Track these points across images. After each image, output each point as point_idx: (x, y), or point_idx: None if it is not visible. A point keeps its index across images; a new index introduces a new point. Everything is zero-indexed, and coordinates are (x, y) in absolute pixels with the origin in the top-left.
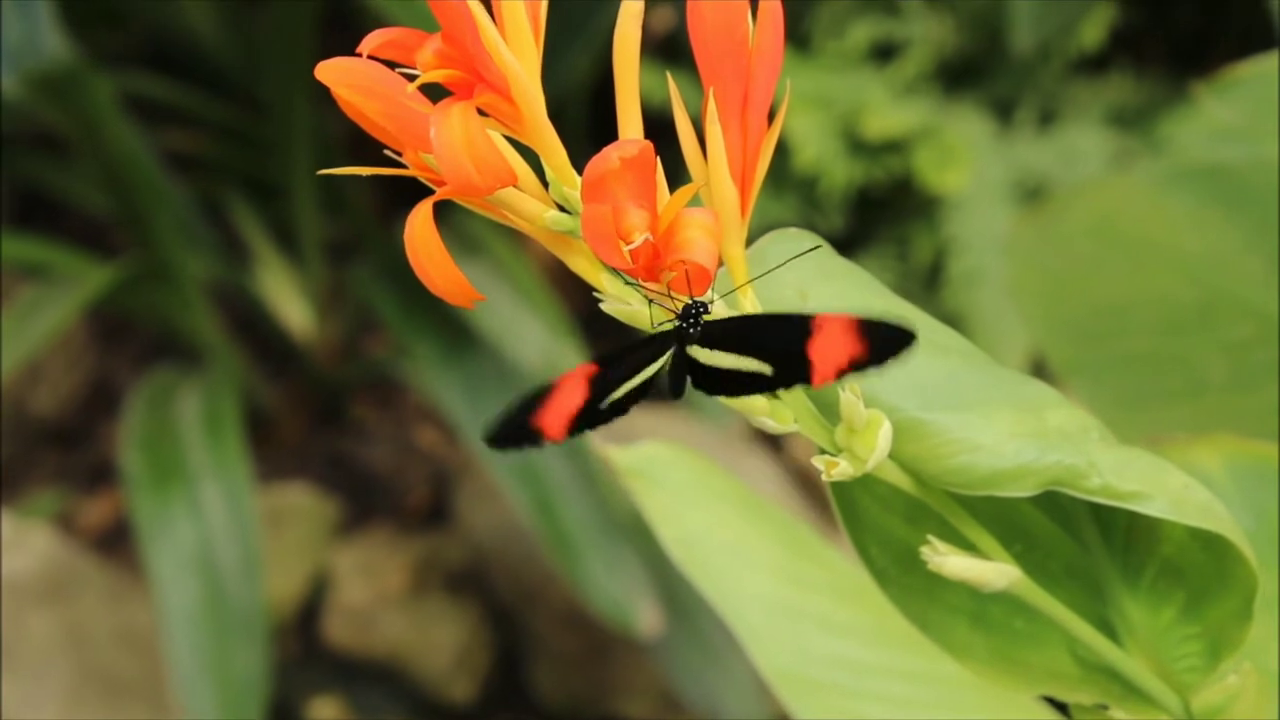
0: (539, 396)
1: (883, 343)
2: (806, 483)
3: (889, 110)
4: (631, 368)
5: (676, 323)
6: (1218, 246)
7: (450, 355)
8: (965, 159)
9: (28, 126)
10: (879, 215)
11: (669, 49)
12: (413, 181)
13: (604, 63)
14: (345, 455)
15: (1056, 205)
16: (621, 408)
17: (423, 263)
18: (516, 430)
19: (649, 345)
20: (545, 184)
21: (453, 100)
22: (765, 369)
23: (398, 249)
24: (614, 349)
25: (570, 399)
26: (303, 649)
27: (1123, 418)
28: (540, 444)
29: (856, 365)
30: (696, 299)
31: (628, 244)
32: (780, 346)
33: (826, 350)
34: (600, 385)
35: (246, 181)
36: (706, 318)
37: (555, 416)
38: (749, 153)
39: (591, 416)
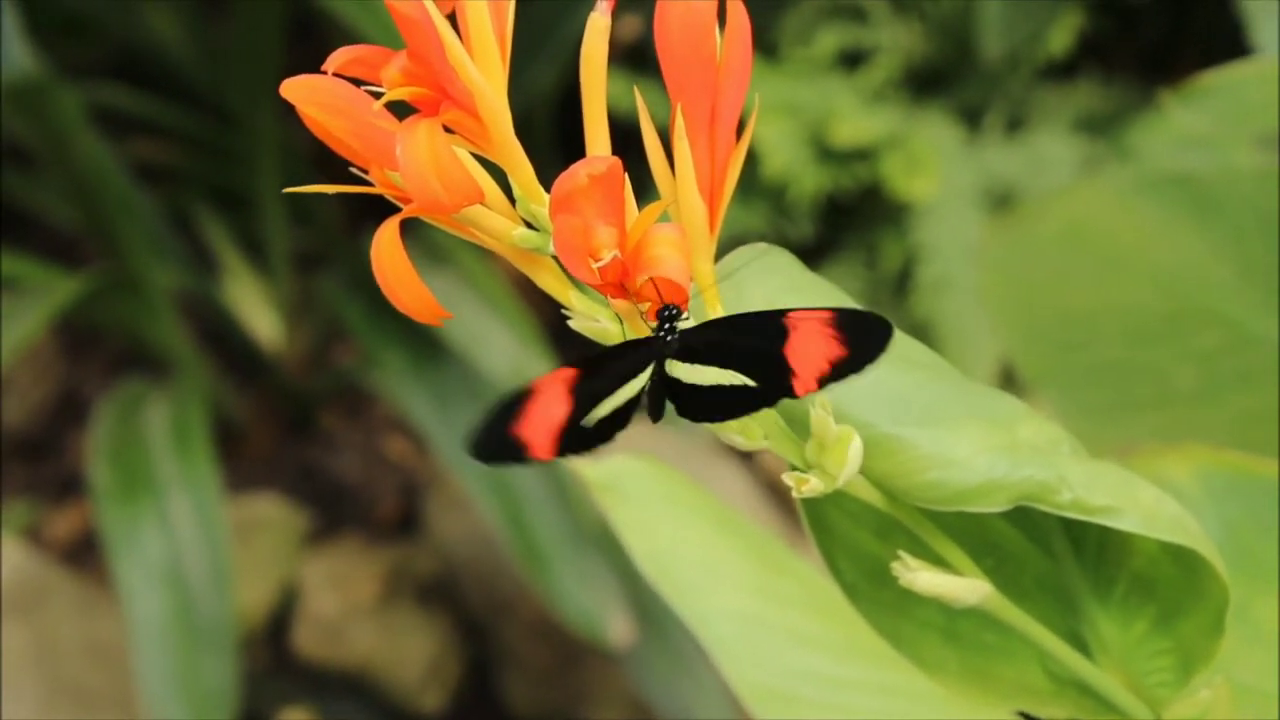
0: (517, 402)
1: (862, 338)
2: (776, 493)
3: (857, 118)
4: (612, 378)
5: (654, 331)
6: (1186, 255)
7: (419, 365)
8: (933, 166)
9: None
10: (848, 223)
11: (636, 57)
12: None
13: (570, 73)
14: (314, 466)
15: (1026, 213)
16: (608, 433)
17: (389, 280)
18: (499, 441)
19: (627, 352)
20: (512, 201)
21: (419, 118)
22: (747, 381)
23: (366, 259)
24: (592, 355)
25: (552, 409)
26: (272, 660)
27: (1092, 427)
28: (525, 460)
29: (839, 369)
30: (670, 304)
31: (596, 261)
32: (758, 351)
33: (805, 353)
34: (583, 394)
35: (214, 192)
36: (682, 325)
37: (540, 430)
38: (717, 167)
39: (579, 437)
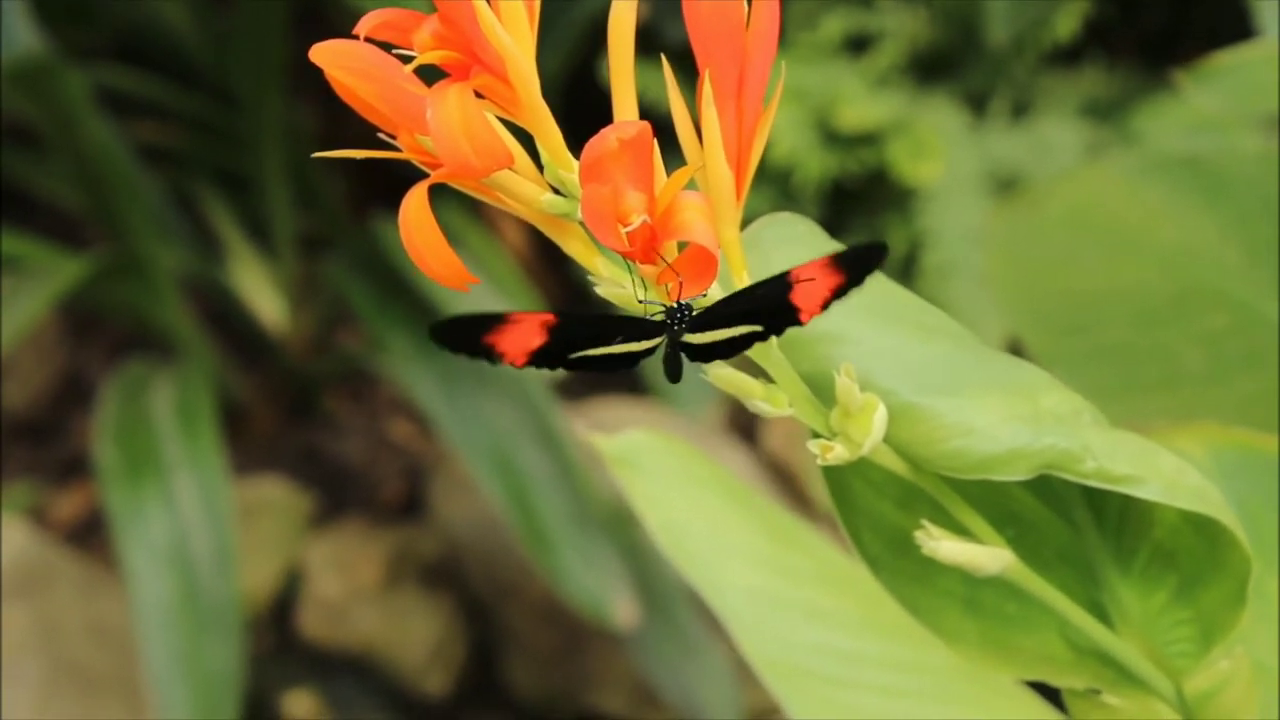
0: (495, 321)
1: (857, 263)
2: (781, 476)
3: (863, 102)
4: (603, 339)
5: (664, 319)
6: (1193, 236)
7: (424, 348)
8: (939, 151)
9: None
10: (853, 207)
11: (645, 41)
12: (386, 175)
13: (575, 61)
14: (319, 448)
15: (1033, 196)
16: (587, 367)
17: (418, 245)
18: (467, 338)
19: (627, 325)
20: (540, 167)
21: (449, 82)
22: (755, 328)
23: (371, 242)
24: (584, 314)
25: (530, 338)
26: (277, 642)
27: (1100, 409)
28: (495, 361)
29: (838, 293)
30: (681, 303)
31: (625, 226)
32: (765, 307)
33: (808, 293)
34: (560, 337)
35: (219, 174)
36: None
37: (514, 347)
38: (744, 136)
39: (552, 357)
